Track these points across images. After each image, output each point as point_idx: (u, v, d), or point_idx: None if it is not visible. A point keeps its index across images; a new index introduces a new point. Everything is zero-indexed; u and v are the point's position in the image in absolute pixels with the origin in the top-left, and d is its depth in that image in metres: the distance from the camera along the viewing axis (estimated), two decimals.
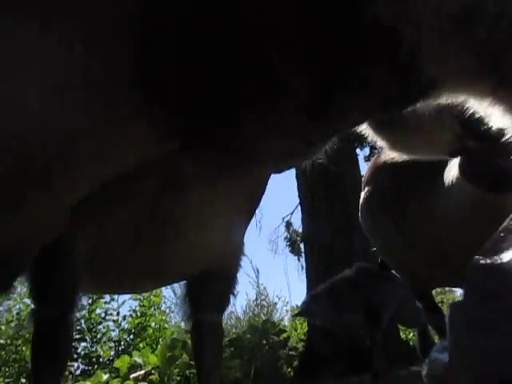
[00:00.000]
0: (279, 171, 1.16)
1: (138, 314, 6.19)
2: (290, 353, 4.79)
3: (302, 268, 6.24)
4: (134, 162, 1.04)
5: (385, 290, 3.40)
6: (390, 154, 2.17)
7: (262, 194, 1.52)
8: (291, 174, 5.48)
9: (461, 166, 1.48)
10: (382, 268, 2.94)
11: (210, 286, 1.52)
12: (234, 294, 1.60)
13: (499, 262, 0.53)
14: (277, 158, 0.90)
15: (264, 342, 4.59)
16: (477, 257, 0.57)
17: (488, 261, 0.55)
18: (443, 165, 1.70)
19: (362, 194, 2.29)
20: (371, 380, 3.25)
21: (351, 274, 3.52)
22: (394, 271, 2.84)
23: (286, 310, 6.57)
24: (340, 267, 3.79)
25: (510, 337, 0.49)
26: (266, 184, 1.52)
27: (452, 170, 1.63)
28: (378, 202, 2.12)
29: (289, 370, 4.65)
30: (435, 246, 1.77)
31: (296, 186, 5.38)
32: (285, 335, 4.76)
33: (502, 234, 0.58)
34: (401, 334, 4.96)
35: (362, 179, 2.57)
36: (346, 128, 0.93)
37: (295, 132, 0.82)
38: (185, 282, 1.61)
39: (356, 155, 5.46)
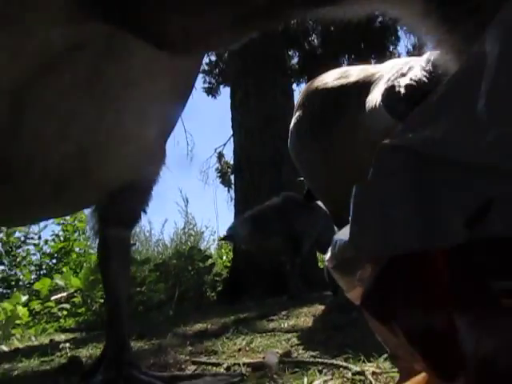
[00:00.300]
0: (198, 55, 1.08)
1: (62, 238, 6.02)
2: (215, 278, 4.97)
3: (231, 199, 6.34)
4: (59, 38, 0.94)
5: (308, 218, 3.57)
6: (322, 80, 2.19)
7: (188, 95, 1.39)
8: (226, 104, 5.40)
9: (383, 98, 1.56)
10: (308, 198, 3.05)
11: (120, 198, 1.39)
12: (145, 211, 1.49)
13: (401, 142, 0.56)
14: (190, 37, 0.84)
15: (189, 267, 4.68)
16: (384, 140, 0.59)
17: (393, 142, 0.57)
18: (370, 88, 1.76)
19: (293, 120, 2.31)
20: (286, 300, 3.47)
21: (277, 202, 3.64)
22: (317, 199, 2.96)
23: (213, 240, 6.71)
24: (268, 199, 3.90)
25: (402, 210, 0.52)
26: (194, 83, 1.39)
27: (375, 94, 1.69)
28: (307, 127, 2.15)
29: (212, 294, 4.84)
30: (356, 168, 1.84)
31: (230, 117, 5.33)
32: (210, 262, 4.88)
33: (409, 121, 0.61)
34: (319, 264, 5.29)
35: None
36: (260, 18, 0.82)
37: (194, 10, 0.77)
38: None
39: (292, 90, 5.47)
